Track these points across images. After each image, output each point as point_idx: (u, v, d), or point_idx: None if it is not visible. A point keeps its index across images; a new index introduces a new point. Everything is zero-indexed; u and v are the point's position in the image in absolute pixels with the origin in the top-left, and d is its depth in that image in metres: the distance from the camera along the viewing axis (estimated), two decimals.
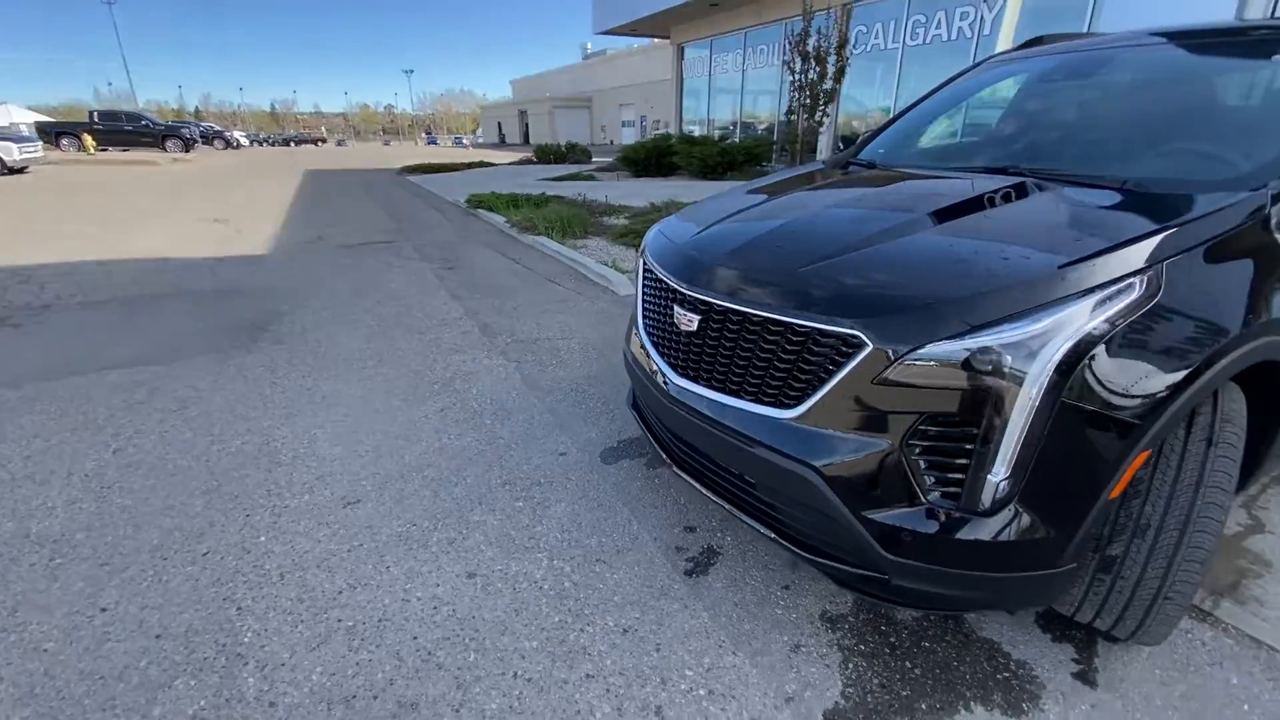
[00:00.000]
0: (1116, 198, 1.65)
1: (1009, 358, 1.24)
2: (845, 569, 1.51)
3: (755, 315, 1.55)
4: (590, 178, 15.85)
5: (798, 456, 1.46)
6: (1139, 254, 1.33)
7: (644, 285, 2.17)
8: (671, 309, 1.84)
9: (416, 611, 1.77)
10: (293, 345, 3.92)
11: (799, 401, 1.47)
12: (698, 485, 1.87)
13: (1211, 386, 1.31)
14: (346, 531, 2.12)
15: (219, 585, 1.87)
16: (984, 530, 1.31)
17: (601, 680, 1.55)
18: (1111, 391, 1.24)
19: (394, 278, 5.75)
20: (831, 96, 7.12)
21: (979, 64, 2.88)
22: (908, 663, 1.59)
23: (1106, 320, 1.24)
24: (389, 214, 10.20)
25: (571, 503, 2.29)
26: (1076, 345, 1.22)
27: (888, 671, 1.57)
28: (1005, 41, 10.90)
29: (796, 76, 7.17)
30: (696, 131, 20.55)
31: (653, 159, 16.10)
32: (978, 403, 1.27)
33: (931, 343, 1.29)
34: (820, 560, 1.56)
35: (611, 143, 49.35)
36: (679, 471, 1.93)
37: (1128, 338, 1.25)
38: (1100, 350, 1.23)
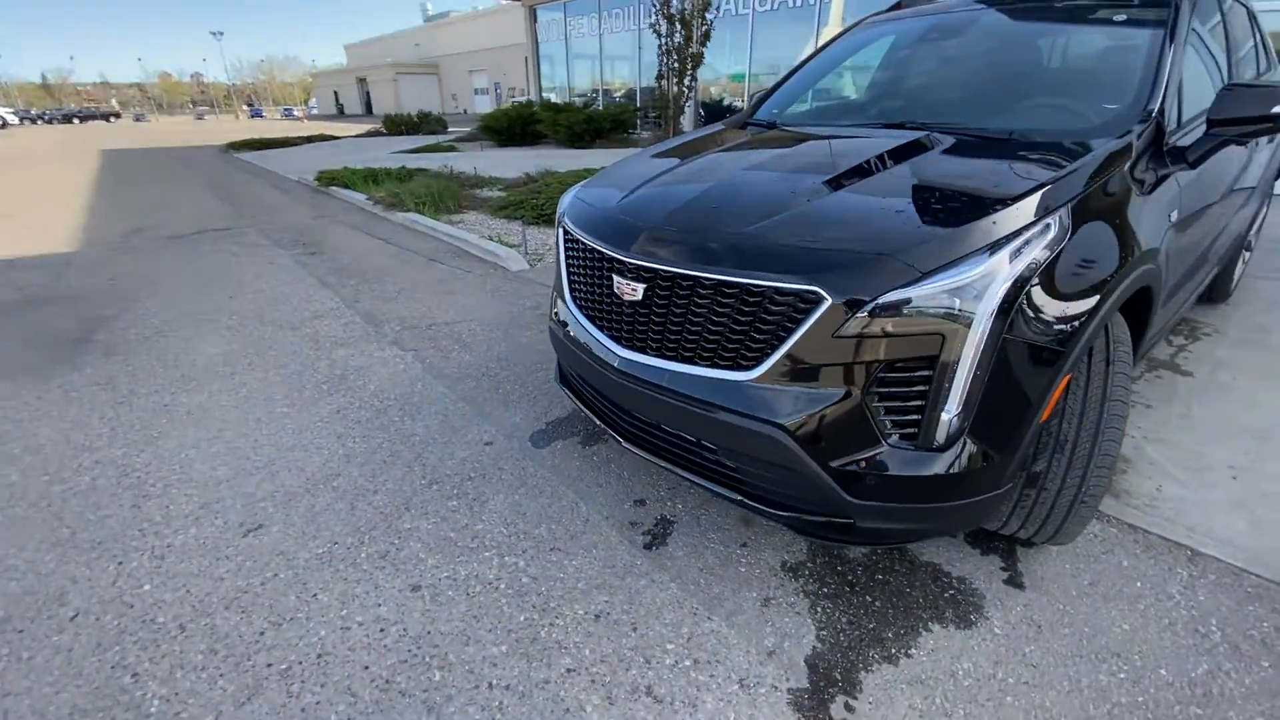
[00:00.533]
0: (1012, 148, 1.80)
1: (958, 300, 1.30)
2: (811, 518, 1.55)
3: (707, 278, 1.51)
4: (451, 149, 14.93)
5: (763, 416, 1.46)
6: (1050, 197, 1.45)
7: (569, 256, 2.06)
8: (610, 279, 1.76)
9: (361, 638, 1.59)
10: (131, 356, 3.32)
11: (758, 362, 1.47)
12: (652, 458, 1.83)
13: (1111, 312, 1.48)
14: (254, 563, 1.85)
15: (101, 652, 1.55)
16: (939, 464, 1.40)
17: (584, 673, 1.49)
18: (1042, 324, 1.35)
19: (245, 268, 5.06)
20: (698, 60, 7.18)
21: (854, 25, 3.01)
22: (868, 597, 1.69)
23: (1033, 259, 1.35)
24: (222, 198, 8.94)
25: (510, 493, 2.16)
26: (1013, 283, 1.31)
27: (852, 609, 1.65)
28: (839, 7, 11.64)
29: (664, 40, 7.14)
30: (555, 99, 20.03)
31: (516, 127, 15.49)
32: (932, 345, 1.33)
33: (887, 292, 1.32)
34: (785, 514, 1.59)
35: (465, 111, 46.81)
36: (630, 446, 1.88)
37: (1050, 274, 1.37)
38: (1031, 287, 1.33)
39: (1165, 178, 1.79)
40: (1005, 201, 1.43)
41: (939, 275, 1.32)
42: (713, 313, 1.53)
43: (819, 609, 1.66)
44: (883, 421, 1.41)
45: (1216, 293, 3.33)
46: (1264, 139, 2.94)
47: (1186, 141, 1.91)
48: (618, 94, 18.69)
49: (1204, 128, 1.90)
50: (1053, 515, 1.60)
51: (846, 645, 1.54)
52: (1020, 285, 1.32)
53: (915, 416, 1.39)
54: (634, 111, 15.21)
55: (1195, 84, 2.07)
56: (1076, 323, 1.39)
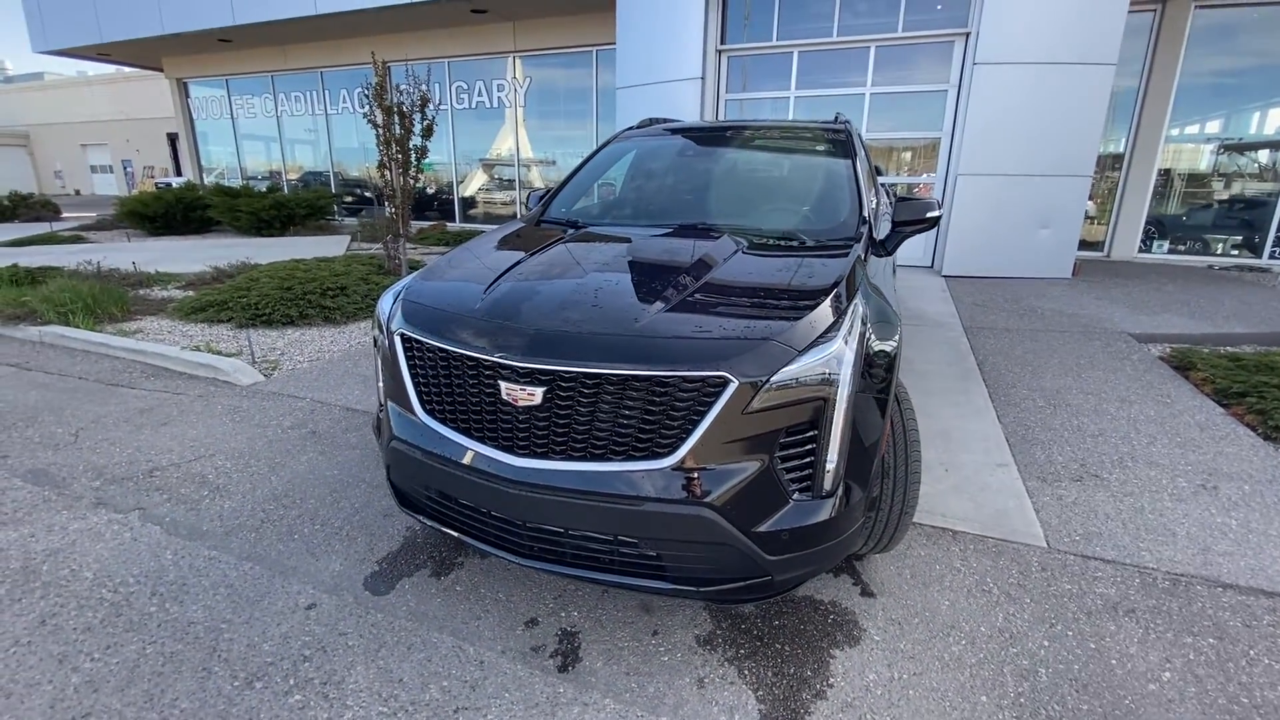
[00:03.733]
0: (802, 245, 2.29)
1: (828, 370, 1.60)
2: (734, 586, 1.66)
3: (615, 375, 1.56)
4: (78, 239, 11.68)
5: (687, 499, 1.54)
6: (852, 281, 1.90)
7: (415, 366, 1.88)
8: (494, 386, 1.66)
9: None
10: None
11: (674, 448, 1.56)
12: (560, 569, 1.73)
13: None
14: None
15: None
16: (829, 508, 1.65)
17: None
18: (873, 380, 1.74)
19: None
20: (423, 153, 7.14)
21: (614, 137, 3.44)
22: (777, 644, 1.85)
23: (859, 328, 1.73)
24: None
25: (370, 661, 1.78)
26: (855, 350, 1.67)
27: (771, 661, 1.79)
28: (521, 112, 12.97)
29: (382, 131, 6.93)
30: (222, 181, 17.42)
31: (176, 213, 12.92)
32: (814, 410, 1.60)
33: (779, 369, 1.56)
34: (710, 589, 1.66)
35: (77, 193, 37.19)
36: (528, 563, 1.75)
37: (869, 340, 1.77)
38: (866, 351, 1.71)
39: (881, 265, 2.47)
40: (832, 287, 1.82)
41: (812, 351, 1.60)
42: (623, 407, 1.57)
43: (746, 672, 1.75)
44: (787, 481, 1.61)
45: None
46: None
47: (881, 236, 2.66)
48: (292, 177, 17.13)
49: (890, 226, 2.68)
50: (887, 529, 2.01)
51: (783, 697, 1.66)
52: (859, 350, 1.68)
53: (809, 471, 1.63)
54: (332, 197, 14.10)
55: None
56: (889, 374, 1.82)
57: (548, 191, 3.19)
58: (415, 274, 2.26)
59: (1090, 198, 9.37)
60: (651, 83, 8.36)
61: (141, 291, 6.69)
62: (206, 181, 17.31)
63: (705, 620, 1.95)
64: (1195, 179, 9.34)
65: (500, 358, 1.65)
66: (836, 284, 1.85)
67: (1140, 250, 9.20)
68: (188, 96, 17.62)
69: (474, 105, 13.67)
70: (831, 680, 1.72)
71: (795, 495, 1.63)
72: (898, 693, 1.68)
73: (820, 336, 1.64)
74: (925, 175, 8.02)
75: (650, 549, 1.65)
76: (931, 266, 7.81)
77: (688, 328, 1.65)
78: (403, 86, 7.04)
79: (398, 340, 1.93)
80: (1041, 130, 6.84)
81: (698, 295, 1.82)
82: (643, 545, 1.64)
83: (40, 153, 40.26)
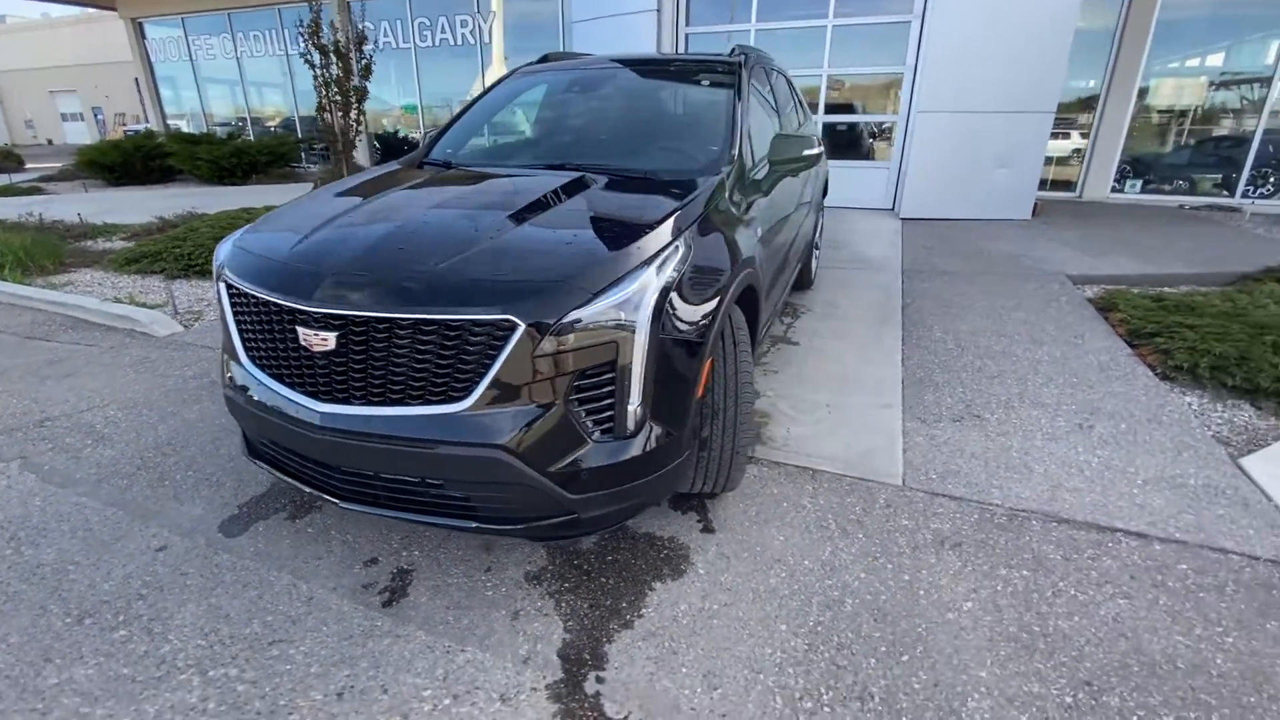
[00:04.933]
0: (648, 183, 2.23)
1: (623, 313, 1.59)
2: (542, 524, 1.70)
3: (405, 319, 1.55)
4: (35, 190, 11.45)
5: (483, 441, 1.56)
6: (681, 222, 1.86)
7: (238, 313, 1.86)
8: (294, 332, 1.65)
9: None
10: None
11: (468, 391, 1.56)
12: (377, 510, 1.76)
13: (729, 307, 1.95)
14: None
15: None
16: (634, 448, 1.67)
17: None
18: (686, 322, 1.73)
19: None
20: (362, 95, 6.88)
21: (511, 73, 3.30)
22: (603, 579, 1.91)
23: (672, 272, 1.71)
24: None
25: (203, 599, 1.84)
26: (661, 293, 1.65)
27: (590, 594, 1.85)
28: (499, 49, 12.41)
29: (320, 72, 6.66)
30: (188, 127, 16.89)
31: (136, 162, 12.58)
32: (610, 352, 1.59)
33: (569, 312, 1.54)
34: (520, 526, 1.70)
35: (49, 143, 36.18)
36: (350, 505, 1.78)
37: (686, 282, 1.75)
38: (673, 295, 1.69)
39: (750, 203, 2.41)
40: (649, 228, 1.79)
41: (606, 294, 1.58)
42: (415, 352, 1.57)
43: (564, 604, 1.81)
44: (585, 423, 1.63)
45: (804, 282, 4.52)
46: (811, 170, 4.13)
47: (760, 176, 2.59)
48: (272, 123, 16.61)
49: (768, 166, 2.61)
50: (720, 469, 2.04)
51: (590, 627, 1.73)
52: (666, 294, 1.66)
53: (609, 413, 1.64)
54: (296, 143, 13.70)
55: (763, 133, 2.84)
56: (709, 318, 1.80)
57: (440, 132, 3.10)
58: (259, 219, 2.22)
59: (1066, 136, 9.19)
60: (607, 15, 7.99)
61: (85, 243, 6.60)
62: (175, 128, 16.78)
63: (540, 558, 2.00)
64: (1172, 117, 9.07)
65: (294, 303, 1.63)
66: (658, 224, 1.81)
67: (1113, 190, 9.01)
68: (144, 38, 16.86)
69: (438, 43, 13.10)
70: (643, 611, 1.78)
71: (595, 436, 1.64)
72: (702, 622, 1.74)
73: (620, 278, 1.61)
74: (890, 113, 7.77)
75: (456, 490, 1.68)
76: (892, 209, 7.67)
77: (485, 270, 1.63)
78: (335, 23, 6.71)
79: (222, 287, 1.91)
80: (1003, 64, 6.58)
81: (511, 237, 1.79)
82: (448, 486, 1.67)
83: (9, 102, 38.88)
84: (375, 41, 13.63)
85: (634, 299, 1.60)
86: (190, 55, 16.46)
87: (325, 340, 1.60)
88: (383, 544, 2.07)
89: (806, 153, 2.53)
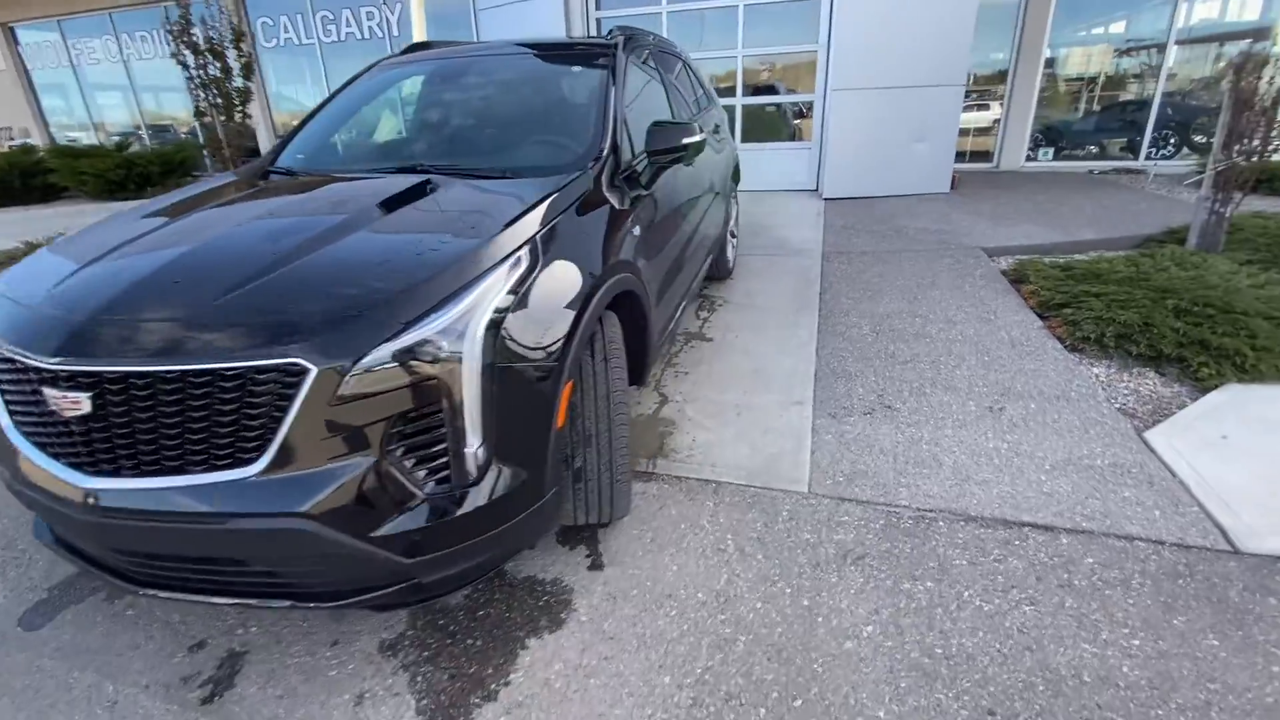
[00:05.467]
0: (501, 185, 1.98)
1: (444, 343, 1.35)
2: (378, 593, 1.46)
3: (170, 372, 1.27)
4: None
5: (282, 511, 1.30)
6: (523, 230, 1.62)
7: None
8: (42, 393, 1.35)
9: None
10: None
11: (259, 452, 1.30)
12: (184, 596, 1.48)
13: (595, 317, 1.73)
14: None
15: None
16: (480, 496, 1.44)
17: None
18: (530, 346, 1.50)
19: None
20: (246, 95, 6.33)
21: (371, 66, 2.98)
22: (469, 640, 1.68)
23: (509, 290, 1.48)
24: None
25: None
26: (493, 317, 1.41)
27: (453, 661, 1.62)
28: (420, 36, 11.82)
29: (194, 73, 6.09)
30: (82, 139, 15.54)
31: (14, 181, 11.49)
32: (434, 390, 1.35)
33: (374, 349, 1.29)
34: (351, 599, 1.45)
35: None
36: (151, 592, 1.49)
37: (529, 299, 1.52)
38: (511, 316, 1.46)
39: (628, 199, 2.19)
40: (486, 239, 1.55)
41: (422, 322, 1.34)
42: (189, 410, 1.29)
43: (419, 679, 1.57)
44: (412, 475, 1.38)
45: (720, 272, 4.36)
46: (718, 157, 3.95)
47: (641, 168, 2.38)
48: (184, 130, 15.45)
49: (647, 158, 2.39)
50: (602, 499, 1.83)
51: (447, 704, 1.50)
52: (500, 316, 1.43)
53: (443, 460, 1.40)
54: (198, 148, 12.74)
55: (648, 120, 2.62)
56: (564, 337, 1.58)
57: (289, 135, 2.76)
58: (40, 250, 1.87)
59: (986, 108, 9.34)
60: (511, 2, 7.62)
61: None
62: (71, 140, 15.43)
63: (399, 620, 1.76)
64: (1080, 85, 9.36)
65: (35, 359, 1.33)
66: (496, 234, 1.57)
67: (1028, 159, 9.23)
68: (17, 44, 15.38)
69: (344, 37, 12.36)
70: (511, 677, 1.56)
71: (428, 489, 1.40)
72: (577, 684, 1.53)
73: (442, 302, 1.37)
74: (808, 93, 7.69)
75: (265, 566, 1.41)
76: (816, 190, 7.62)
77: (272, 304, 1.36)
78: (208, 20, 6.14)
79: None
80: (911, 39, 6.55)
81: (317, 259, 1.52)
82: (255, 563, 1.41)
83: None
84: (276, 38, 12.81)
85: (458, 325, 1.37)
86: (72, 61, 15.10)
87: (76, 403, 1.30)
88: (214, 622, 1.78)
89: (686, 140, 2.32)
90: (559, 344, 1.56)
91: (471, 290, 1.41)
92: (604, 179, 2.10)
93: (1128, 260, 4.17)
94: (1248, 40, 7.72)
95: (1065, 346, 3.24)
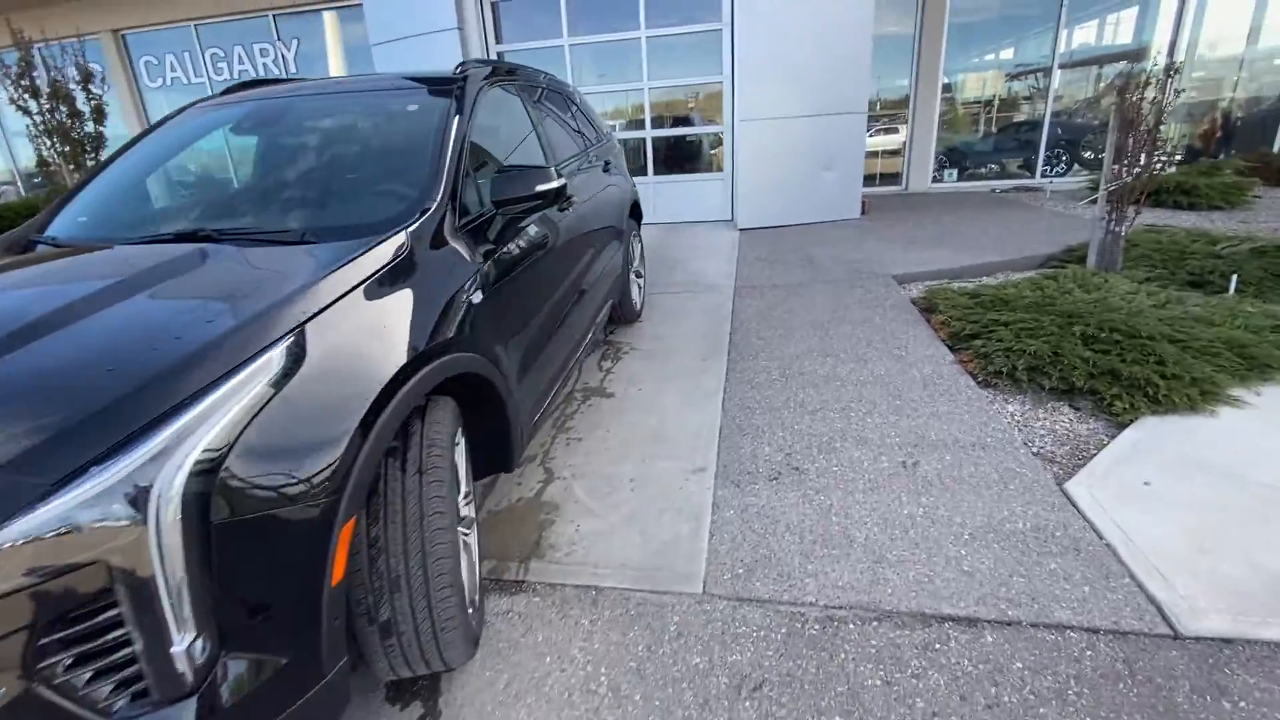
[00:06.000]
0: (287, 255, 1.59)
1: (117, 507, 0.94)
2: None
3: None
4: None
5: None
6: (282, 321, 1.23)
7: None
8: None
9: None
10: None
11: None
12: None
13: (399, 418, 1.35)
14: None
15: None
16: (209, 702, 1.03)
17: None
18: (278, 485, 1.10)
19: None
20: (99, 141, 5.68)
21: (182, 110, 2.53)
22: None
23: (244, 409, 1.09)
24: None
25: None
26: (206, 457, 1.02)
27: None
28: (335, 72, 11.26)
29: (38, 119, 5.41)
30: None
31: None
32: (108, 576, 0.94)
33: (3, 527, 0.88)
34: None
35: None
36: None
37: (279, 417, 1.13)
38: (244, 446, 1.07)
39: (474, 257, 1.84)
40: (214, 342, 1.15)
41: (83, 479, 0.93)
42: None
43: None
44: (84, 697, 0.96)
45: (627, 315, 4.06)
46: (611, 194, 3.66)
47: (492, 221, 2.03)
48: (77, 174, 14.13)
49: (494, 209, 2.05)
50: (426, 649, 1.43)
51: None
52: (223, 452, 1.04)
53: (137, 667, 0.98)
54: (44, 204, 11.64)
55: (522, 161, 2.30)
56: (334, 461, 1.19)
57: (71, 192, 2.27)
58: None
59: (895, 132, 9.59)
60: (405, 36, 7.26)
61: None
62: None
63: None
64: (978, 108, 9.77)
65: None
66: (249, 323, 1.19)
67: (934, 181, 9.49)
68: None
69: (236, 75, 11.63)
70: None
71: (119, 710, 0.98)
72: None
73: (127, 441, 0.97)
74: (712, 124, 7.63)
75: None
76: (731, 220, 7.51)
77: None
78: (49, 61, 5.48)
79: None
80: (812, 70, 6.58)
81: None
82: None
83: None
84: (162, 77, 11.96)
85: (141, 478, 0.96)
86: None
87: None
88: None
89: (541, 187, 2.00)
90: (330, 471, 1.17)
91: (168, 425, 1.01)
92: (433, 237, 1.74)
93: (1032, 284, 4.13)
94: (1124, 62, 8.23)
95: (978, 382, 3.08)
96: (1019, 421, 2.74)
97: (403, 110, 2.24)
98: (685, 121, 7.95)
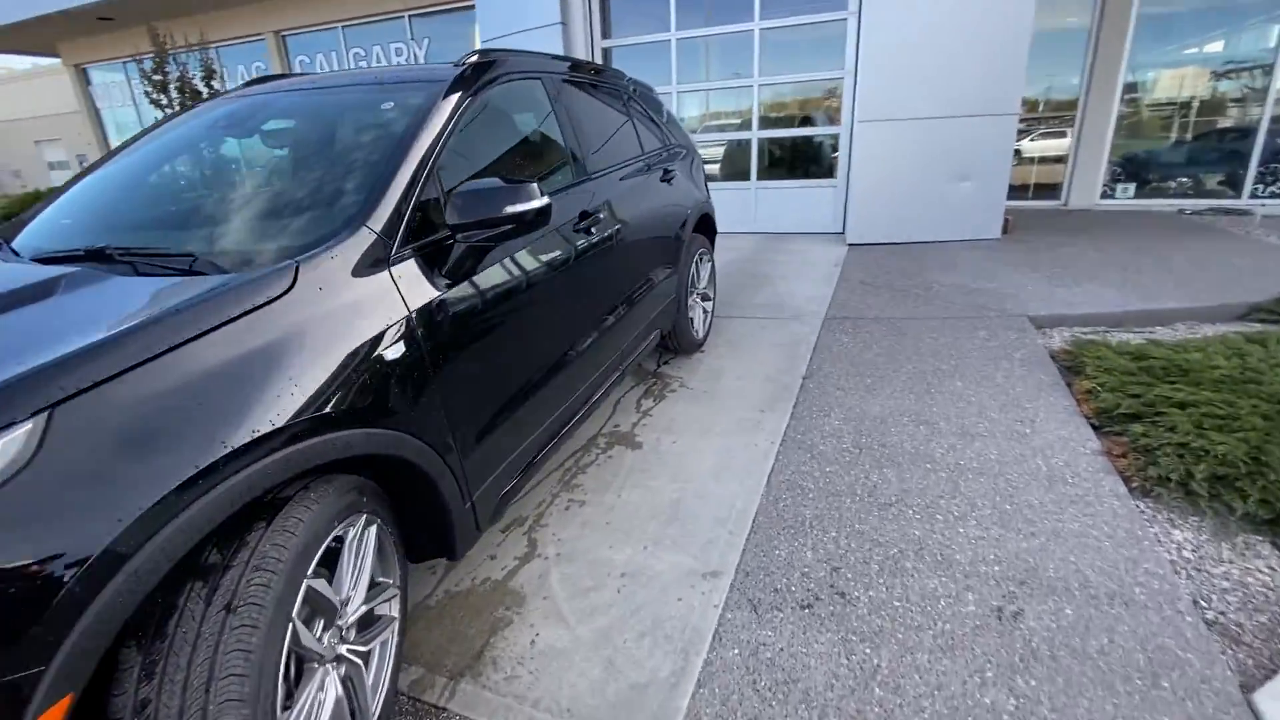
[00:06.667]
0: (135, 291, 1.28)
1: None
2: None
3: None
4: None
5: None
6: (18, 400, 0.89)
7: None
8: None
9: None
10: None
11: None
12: None
13: (187, 541, 0.98)
14: None
15: None
16: None
17: None
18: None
19: None
20: None
21: (196, 107, 2.37)
22: None
23: None
24: None
25: None
26: None
27: None
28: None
29: (168, 111, 5.87)
30: None
31: None
32: None
33: None
34: None
35: (37, 192, 36.20)
36: None
37: None
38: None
39: (408, 299, 1.44)
40: None
41: None
42: None
43: None
44: None
45: (685, 344, 3.53)
46: (662, 208, 3.15)
47: (458, 251, 1.62)
48: None
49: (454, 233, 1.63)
50: None
51: None
52: None
53: None
54: None
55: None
56: (50, 612, 0.83)
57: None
58: None
59: (1061, 135, 8.14)
60: (510, 33, 7.16)
61: None
62: None
63: None
64: (1170, 110, 8.05)
65: None
66: None
67: (1104, 195, 7.97)
68: (89, 84, 16.44)
69: None
70: None
71: None
72: None
73: None
74: (828, 126, 6.81)
75: None
76: (842, 233, 6.68)
77: None
78: (181, 57, 5.91)
79: None
80: (955, 65, 5.61)
81: None
82: None
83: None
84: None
85: None
86: (134, 100, 15.95)
87: None
88: None
89: (512, 209, 1.55)
90: (36, 636, 0.81)
91: None
92: (356, 269, 1.36)
93: (1229, 346, 3.09)
94: None
95: (1131, 489, 2.24)
96: (1189, 562, 1.91)
97: (375, 112, 1.89)
98: (797, 121, 7.21)
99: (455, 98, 1.81)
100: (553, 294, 2.01)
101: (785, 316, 4.27)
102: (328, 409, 1.21)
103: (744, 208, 7.16)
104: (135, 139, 2.19)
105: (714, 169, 7.67)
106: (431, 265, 1.55)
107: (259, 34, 12.55)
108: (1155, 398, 2.63)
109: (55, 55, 16.40)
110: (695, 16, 6.79)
